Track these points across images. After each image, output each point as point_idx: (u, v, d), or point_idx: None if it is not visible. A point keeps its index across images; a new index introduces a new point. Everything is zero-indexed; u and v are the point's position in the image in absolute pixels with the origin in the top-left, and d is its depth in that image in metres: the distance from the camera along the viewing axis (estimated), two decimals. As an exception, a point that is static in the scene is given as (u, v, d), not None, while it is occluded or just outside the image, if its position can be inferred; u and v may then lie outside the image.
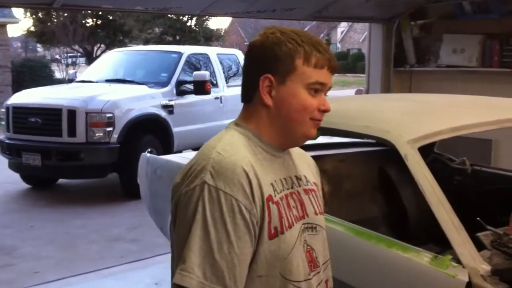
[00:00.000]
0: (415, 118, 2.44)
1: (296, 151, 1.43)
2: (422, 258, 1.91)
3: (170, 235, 1.30)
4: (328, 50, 1.29)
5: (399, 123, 2.32)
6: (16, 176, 7.54)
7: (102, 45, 25.03)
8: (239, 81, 9.04)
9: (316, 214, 1.36)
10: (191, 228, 1.15)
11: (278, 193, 1.26)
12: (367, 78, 6.39)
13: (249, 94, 1.32)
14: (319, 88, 1.28)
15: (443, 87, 5.05)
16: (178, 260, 1.17)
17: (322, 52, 1.27)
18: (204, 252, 1.13)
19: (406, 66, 6.01)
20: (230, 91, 8.71)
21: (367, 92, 6.30)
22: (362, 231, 2.20)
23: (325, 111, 1.30)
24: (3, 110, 7.53)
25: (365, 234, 2.18)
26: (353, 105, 3.02)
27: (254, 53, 1.31)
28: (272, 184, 1.25)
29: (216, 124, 7.90)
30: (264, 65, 1.28)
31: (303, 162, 1.44)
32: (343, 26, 46.82)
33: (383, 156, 3.62)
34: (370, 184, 3.63)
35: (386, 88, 6.04)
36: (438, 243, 2.47)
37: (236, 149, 1.24)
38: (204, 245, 1.14)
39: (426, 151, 3.12)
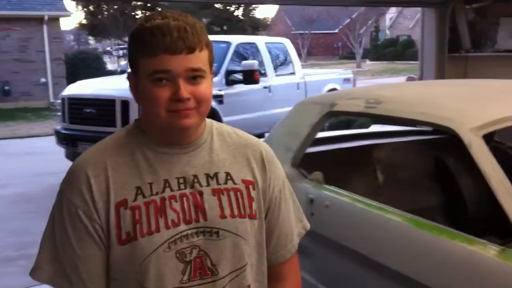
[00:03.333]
0: (477, 104, 2.34)
1: (237, 142, 1.29)
2: (488, 251, 1.83)
3: None
4: (165, 31, 1.11)
5: (460, 110, 2.24)
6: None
7: (152, 37, 25.36)
8: (287, 70, 9.14)
9: (223, 217, 1.21)
10: (46, 226, 1.23)
11: (146, 197, 1.17)
12: (421, 65, 6.22)
13: None
14: (164, 77, 1.13)
15: (500, 73, 4.83)
16: None
17: (155, 35, 1.11)
18: (50, 251, 1.20)
19: (461, 51, 5.81)
20: (279, 80, 8.68)
21: (421, 79, 6.14)
22: (421, 222, 2.13)
23: (177, 100, 1.13)
24: (59, 101, 7.75)
25: (425, 225, 2.11)
26: (409, 91, 2.94)
27: None
28: (139, 187, 1.17)
29: (265, 114, 7.88)
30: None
31: (239, 155, 1.27)
32: (391, 13, 45.82)
33: (439, 144, 3.52)
34: (426, 173, 3.54)
35: (441, 74, 5.86)
36: (499, 235, 2.38)
37: (95, 151, 1.23)
38: (51, 245, 1.20)
39: (487, 139, 3.01)
